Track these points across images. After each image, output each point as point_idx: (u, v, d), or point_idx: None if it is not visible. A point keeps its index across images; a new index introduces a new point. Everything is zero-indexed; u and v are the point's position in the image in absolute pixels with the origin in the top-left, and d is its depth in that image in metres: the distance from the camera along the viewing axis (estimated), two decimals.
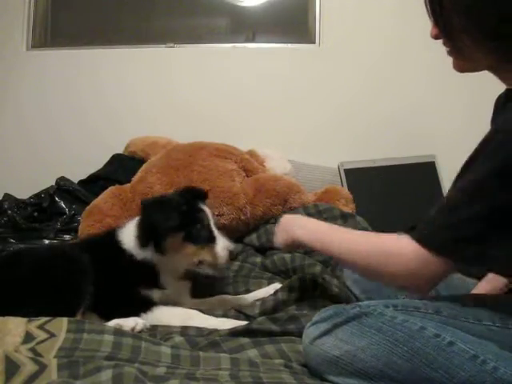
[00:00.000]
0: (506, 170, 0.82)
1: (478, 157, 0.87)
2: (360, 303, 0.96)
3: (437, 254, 0.88)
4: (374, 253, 0.97)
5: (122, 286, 1.26)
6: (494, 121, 1.07)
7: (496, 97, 1.07)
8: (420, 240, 0.90)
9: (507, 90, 1.01)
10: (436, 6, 0.92)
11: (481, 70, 0.97)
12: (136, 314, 1.22)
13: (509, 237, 0.84)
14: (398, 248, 0.93)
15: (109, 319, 1.16)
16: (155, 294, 1.29)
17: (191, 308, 1.33)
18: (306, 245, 1.17)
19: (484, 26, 0.87)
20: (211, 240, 1.28)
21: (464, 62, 0.96)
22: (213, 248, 1.27)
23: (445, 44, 0.96)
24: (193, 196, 1.36)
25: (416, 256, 0.89)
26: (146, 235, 1.29)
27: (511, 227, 0.84)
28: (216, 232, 1.30)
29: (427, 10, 0.94)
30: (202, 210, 1.31)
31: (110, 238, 1.36)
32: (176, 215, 1.25)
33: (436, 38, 0.96)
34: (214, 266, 1.29)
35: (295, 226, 1.19)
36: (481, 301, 0.97)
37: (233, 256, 1.29)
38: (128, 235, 1.33)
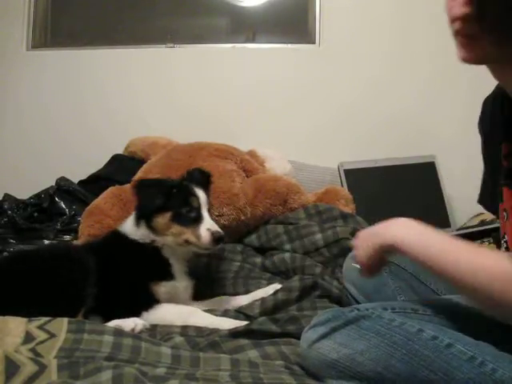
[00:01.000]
0: None
1: None
2: (358, 306, 0.96)
3: None
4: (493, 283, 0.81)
5: (128, 282, 1.28)
6: (482, 123, 1.05)
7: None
8: None
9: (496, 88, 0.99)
10: None
11: (488, 62, 0.86)
12: (138, 312, 1.22)
13: None
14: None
15: (110, 319, 1.16)
16: (163, 287, 1.32)
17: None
18: (403, 250, 0.92)
19: None
20: (197, 221, 1.34)
21: (480, 50, 0.83)
22: (197, 229, 1.33)
23: (468, 28, 0.81)
24: (195, 180, 1.44)
25: None
26: (138, 214, 1.38)
27: None
28: (205, 215, 1.36)
29: None
30: (193, 194, 1.38)
31: (114, 235, 1.43)
32: (162, 196, 1.33)
33: (460, 18, 0.80)
34: (199, 247, 1.35)
35: (393, 226, 0.96)
36: None
37: (216, 238, 1.32)
38: (129, 224, 1.41)
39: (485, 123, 1.06)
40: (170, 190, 1.36)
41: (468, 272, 0.82)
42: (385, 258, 1.01)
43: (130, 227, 1.39)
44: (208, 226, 1.33)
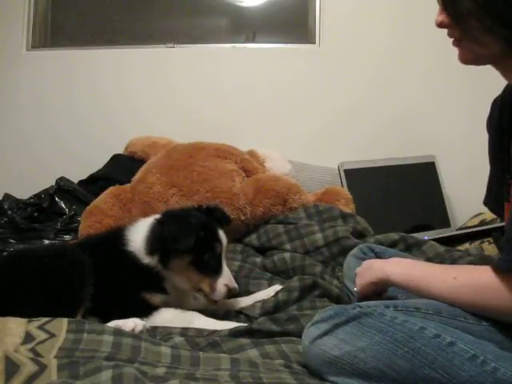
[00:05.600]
0: None
1: None
2: (360, 303, 0.96)
3: None
4: (474, 295, 0.92)
5: (123, 288, 1.25)
6: (490, 122, 1.07)
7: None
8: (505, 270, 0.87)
9: (505, 89, 1.01)
10: None
11: (482, 62, 0.94)
12: (136, 316, 1.21)
13: None
14: (494, 283, 0.88)
15: (108, 321, 1.15)
16: (157, 298, 1.27)
17: (192, 309, 1.32)
18: (392, 284, 1.07)
19: (491, 10, 0.84)
20: (216, 272, 1.25)
21: (468, 52, 0.93)
22: (214, 281, 1.25)
23: (450, 33, 0.93)
24: (216, 219, 1.33)
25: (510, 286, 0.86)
26: (155, 246, 1.25)
27: None
28: (224, 265, 1.28)
29: None
30: (218, 240, 1.28)
31: (114, 237, 1.32)
32: (192, 239, 1.20)
33: (440, 25, 0.92)
34: (208, 298, 1.28)
35: (387, 264, 1.09)
36: None
37: (230, 295, 1.26)
38: (137, 236, 1.29)
39: (493, 123, 1.06)
40: (199, 232, 1.22)
41: (451, 291, 0.94)
42: (383, 289, 1.14)
43: (138, 243, 1.26)
44: (226, 281, 1.25)
